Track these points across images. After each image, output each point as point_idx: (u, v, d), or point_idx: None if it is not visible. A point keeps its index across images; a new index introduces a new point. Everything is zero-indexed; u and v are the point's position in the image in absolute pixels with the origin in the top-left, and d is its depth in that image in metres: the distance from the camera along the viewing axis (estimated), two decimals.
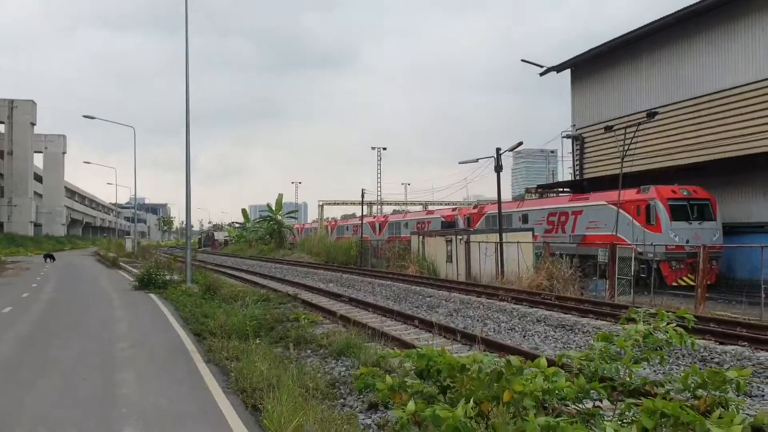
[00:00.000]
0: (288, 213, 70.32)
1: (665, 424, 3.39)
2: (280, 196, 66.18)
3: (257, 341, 10.47)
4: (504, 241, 24.56)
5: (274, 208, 65.08)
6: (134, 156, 74.26)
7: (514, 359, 3.97)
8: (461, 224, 36.82)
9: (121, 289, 23.30)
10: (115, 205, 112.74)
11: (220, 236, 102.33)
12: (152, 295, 20.23)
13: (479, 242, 25.96)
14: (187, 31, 22.24)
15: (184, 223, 28.39)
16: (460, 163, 30.92)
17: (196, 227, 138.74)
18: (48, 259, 45.84)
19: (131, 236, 69.30)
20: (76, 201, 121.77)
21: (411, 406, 3.85)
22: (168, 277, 23.39)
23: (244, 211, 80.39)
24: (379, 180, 74.59)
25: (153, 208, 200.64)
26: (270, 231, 64.36)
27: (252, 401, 7.08)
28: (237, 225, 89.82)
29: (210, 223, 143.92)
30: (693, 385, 4.17)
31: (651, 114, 24.28)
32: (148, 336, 12.33)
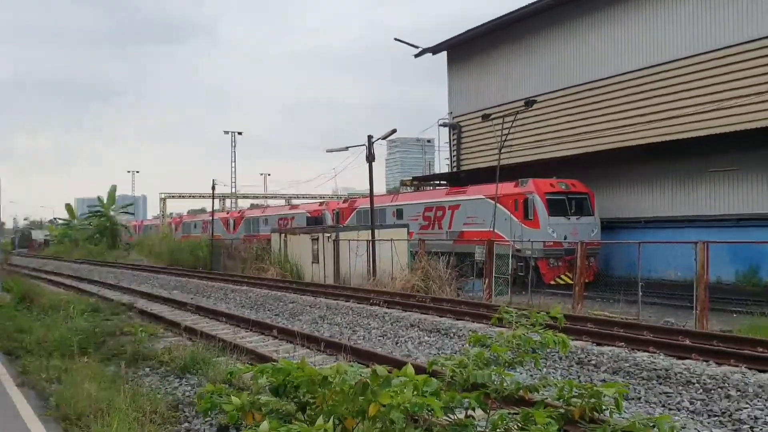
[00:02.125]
0: (123, 207, 67.38)
1: None
2: (113, 187, 63.15)
3: (84, 359, 10.13)
4: (377, 238, 24.93)
5: (105, 202, 62.14)
6: None
7: (381, 369, 4.05)
8: (329, 220, 37.03)
9: None
10: None
11: (39, 235, 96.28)
12: None
13: (349, 240, 26.18)
14: None
15: None
16: (328, 151, 30.72)
17: (9, 224, 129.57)
18: None
19: None
20: None
21: (264, 426, 3.81)
22: None
23: (68, 206, 75.84)
24: (233, 169, 73.34)
25: None
26: (101, 229, 61.41)
27: (76, 430, 6.76)
28: (60, 222, 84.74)
29: (26, 219, 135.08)
30: (568, 395, 4.46)
31: (529, 102, 25.54)
32: None
